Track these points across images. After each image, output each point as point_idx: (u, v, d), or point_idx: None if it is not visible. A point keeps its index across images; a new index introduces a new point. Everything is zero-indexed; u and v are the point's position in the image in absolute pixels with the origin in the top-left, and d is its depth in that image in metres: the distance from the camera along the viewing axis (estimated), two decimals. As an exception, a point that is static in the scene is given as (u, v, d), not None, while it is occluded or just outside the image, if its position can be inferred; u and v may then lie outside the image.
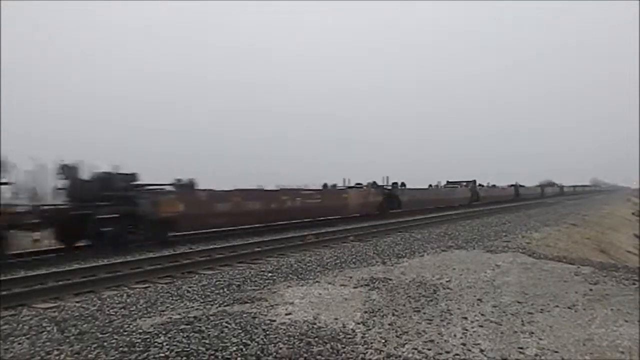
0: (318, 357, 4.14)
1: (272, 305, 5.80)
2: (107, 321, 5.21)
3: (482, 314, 5.47)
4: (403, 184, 27.07)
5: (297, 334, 4.71)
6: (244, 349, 4.25)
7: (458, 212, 26.08)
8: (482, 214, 24.69)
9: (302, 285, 6.97)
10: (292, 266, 8.71)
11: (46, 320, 5.33)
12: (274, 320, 5.16)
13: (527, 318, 5.34)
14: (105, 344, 4.41)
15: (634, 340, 4.66)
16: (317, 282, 7.23)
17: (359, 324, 5.09)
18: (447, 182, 36.76)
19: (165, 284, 7.55)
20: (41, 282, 7.74)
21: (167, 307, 5.85)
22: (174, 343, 4.38)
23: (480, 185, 38.69)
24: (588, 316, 5.45)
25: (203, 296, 6.41)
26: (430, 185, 32.58)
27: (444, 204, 30.28)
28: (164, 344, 4.36)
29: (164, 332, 4.69)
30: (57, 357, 4.13)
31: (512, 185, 47.22)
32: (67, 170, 11.30)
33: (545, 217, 21.88)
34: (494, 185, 42.92)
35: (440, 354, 4.28)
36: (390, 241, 12.57)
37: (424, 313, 5.50)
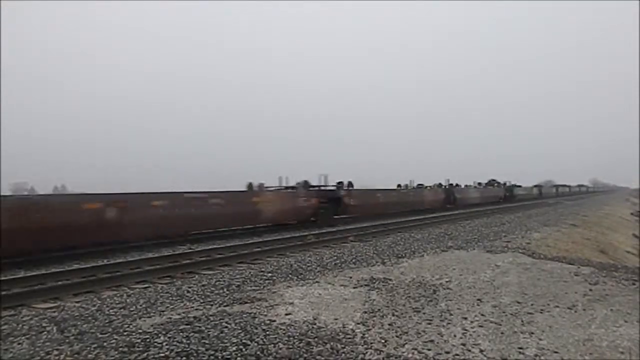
0: (318, 357, 4.14)
1: (271, 306, 5.80)
2: (106, 321, 5.21)
3: (482, 314, 5.48)
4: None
5: (297, 334, 4.71)
6: (243, 349, 4.25)
7: (459, 212, 26.13)
8: (482, 214, 24.71)
9: (302, 286, 6.98)
10: (292, 266, 8.70)
11: (46, 320, 5.32)
12: (274, 321, 5.16)
13: (526, 318, 5.35)
14: (105, 344, 4.41)
15: (634, 340, 4.66)
16: (316, 282, 7.23)
17: (358, 324, 5.09)
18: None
19: (165, 284, 7.55)
20: (41, 282, 7.74)
21: (167, 307, 5.85)
22: (174, 343, 4.38)
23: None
24: (588, 316, 5.46)
25: (203, 296, 6.41)
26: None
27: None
28: (164, 344, 4.36)
29: (163, 332, 4.69)
30: (56, 357, 4.13)
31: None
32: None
33: (545, 218, 21.88)
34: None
35: (440, 354, 4.29)
36: (390, 241, 12.57)
37: (424, 313, 5.50)
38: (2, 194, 11.23)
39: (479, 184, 42.01)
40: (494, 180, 45.52)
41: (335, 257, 9.66)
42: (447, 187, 32.60)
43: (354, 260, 9.25)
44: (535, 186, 57.35)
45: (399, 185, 28.75)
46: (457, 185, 33.96)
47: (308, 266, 8.67)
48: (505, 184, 45.89)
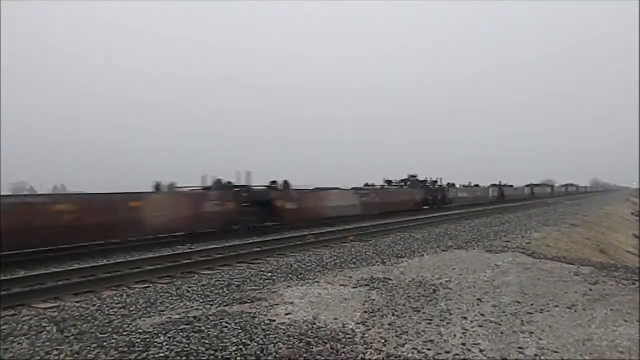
0: (318, 357, 4.14)
1: (271, 306, 5.80)
2: (107, 321, 5.21)
3: (482, 314, 5.48)
4: (286, 184, 21.41)
5: (297, 334, 4.71)
6: (243, 349, 4.25)
7: (459, 212, 26.14)
8: (482, 214, 24.72)
9: (302, 286, 6.98)
10: (292, 266, 8.71)
11: (46, 320, 5.33)
12: (274, 320, 5.16)
13: (526, 318, 5.35)
14: (105, 344, 4.41)
15: (634, 340, 4.66)
16: (316, 282, 7.23)
17: (358, 324, 5.09)
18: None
19: (165, 284, 7.55)
20: (41, 282, 7.74)
21: (167, 307, 5.86)
22: (174, 343, 4.38)
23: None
24: (588, 316, 5.45)
25: (203, 296, 6.41)
26: (362, 187, 32.71)
27: (376, 210, 26.27)
28: (164, 344, 4.36)
29: (163, 332, 4.69)
30: (56, 357, 4.13)
31: (495, 185, 46.36)
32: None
33: (545, 218, 21.88)
34: (476, 185, 42.20)
35: (440, 354, 4.28)
36: (390, 241, 12.57)
37: (424, 313, 5.50)
38: (1, 194, 11.24)
39: (389, 182, 30.35)
40: (413, 176, 31.95)
41: (335, 257, 9.66)
42: (241, 187, 16.40)
43: (354, 260, 9.25)
44: (495, 185, 43.77)
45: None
46: (286, 184, 18.63)
47: (308, 266, 8.67)
48: (436, 182, 33.12)
